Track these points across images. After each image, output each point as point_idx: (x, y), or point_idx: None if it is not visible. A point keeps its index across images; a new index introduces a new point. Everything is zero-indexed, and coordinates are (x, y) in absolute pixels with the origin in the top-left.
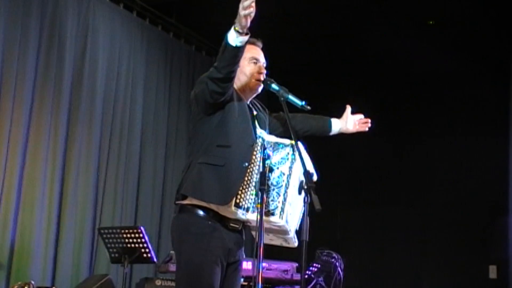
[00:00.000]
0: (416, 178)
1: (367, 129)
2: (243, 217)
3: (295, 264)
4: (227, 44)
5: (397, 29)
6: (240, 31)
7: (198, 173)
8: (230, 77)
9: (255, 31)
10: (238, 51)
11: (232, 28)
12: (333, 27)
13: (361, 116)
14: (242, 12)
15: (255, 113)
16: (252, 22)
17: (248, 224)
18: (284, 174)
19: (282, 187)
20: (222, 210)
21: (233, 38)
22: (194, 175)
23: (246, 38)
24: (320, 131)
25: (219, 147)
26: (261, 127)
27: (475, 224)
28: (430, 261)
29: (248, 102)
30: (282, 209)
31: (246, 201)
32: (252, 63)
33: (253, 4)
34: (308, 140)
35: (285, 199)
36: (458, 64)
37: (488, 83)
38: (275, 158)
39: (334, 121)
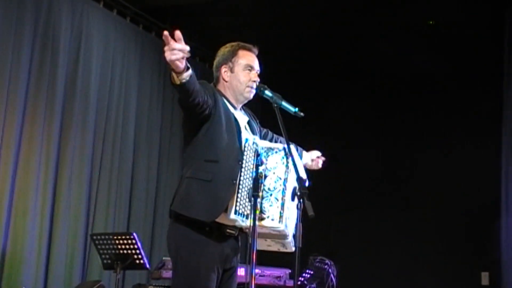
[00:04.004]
0: (408, 184)
1: (320, 165)
2: (243, 224)
3: (288, 271)
4: (173, 85)
5: (395, 32)
6: (178, 71)
7: (186, 188)
8: (193, 104)
9: (252, 31)
10: (187, 86)
11: (171, 71)
12: (330, 29)
13: (317, 153)
14: (168, 58)
15: (246, 119)
16: (248, 27)
17: (247, 230)
18: (280, 178)
19: (280, 191)
20: (220, 218)
21: (175, 78)
22: (182, 190)
23: (189, 73)
24: None
25: (206, 161)
26: (253, 133)
27: (467, 231)
28: (422, 267)
29: (239, 108)
30: (281, 214)
31: (245, 208)
32: (246, 70)
33: (182, 47)
34: (304, 144)
35: (283, 204)
36: (451, 68)
37: (481, 89)
38: (270, 163)
39: (304, 155)
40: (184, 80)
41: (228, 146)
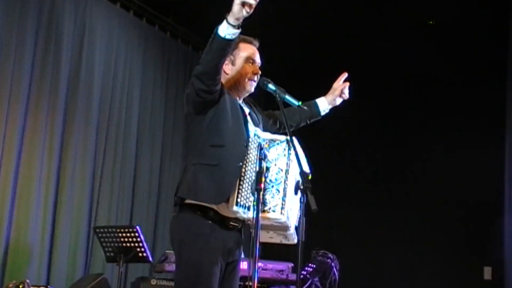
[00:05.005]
0: (411, 179)
1: (346, 95)
2: (244, 215)
3: (291, 264)
4: (216, 34)
5: (394, 30)
6: (233, 23)
7: (193, 174)
8: (214, 71)
9: (252, 30)
10: (226, 44)
11: (225, 19)
12: (331, 27)
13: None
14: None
15: (248, 111)
16: (250, 21)
17: (249, 222)
18: (282, 170)
19: (281, 183)
20: (223, 210)
21: (224, 29)
22: (189, 176)
23: (237, 32)
24: (311, 118)
25: (212, 147)
26: (254, 125)
27: (470, 226)
28: (425, 262)
29: (240, 101)
30: (283, 206)
31: (247, 200)
32: (248, 63)
33: None
34: (304, 140)
35: (285, 195)
36: (454, 66)
37: (484, 85)
38: (271, 154)
39: (321, 102)
40: (230, 37)
41: (233, 130)
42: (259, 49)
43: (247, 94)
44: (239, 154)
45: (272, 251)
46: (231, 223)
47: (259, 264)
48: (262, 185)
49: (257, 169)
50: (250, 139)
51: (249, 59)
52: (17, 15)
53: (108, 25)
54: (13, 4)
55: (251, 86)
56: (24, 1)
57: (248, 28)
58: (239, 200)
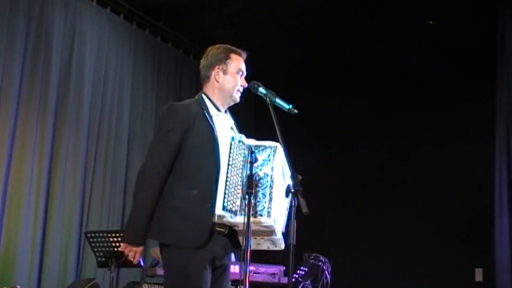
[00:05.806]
0: (403, 182)
1: None
2: (231, 220)
3: (283, 268)
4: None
5: (389, 32)
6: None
7: (164, 216)
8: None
9: (245, 33)
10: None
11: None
12: (327, 29)
13: None
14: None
15: (232, 121)
16: (242, 24)
17: (236, 227)
18: (267, 175)
19: (267, 187)
20: None
21: None
22: (159, 218)
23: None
24: None
25: (183, 188)
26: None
27: (462, 228)
28: (417, 264)
29: (224, 111)
30: (269, 209)
31: (234, 204)
32: (238, 75)
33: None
34: (296, 142)
35: (271, 199)
36: (444, 68)
37: (474, 89)
38: (258, 160)
39: None
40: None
41: (204, 170)
42: (254, 53)
43: (232, 104)
44: (210, 195)
45: (264, 255)
46: (217, 228)
47: (251, 267)
48: (253, 190)
49: (248, 172)
50: (232, 146)
51: (240, 71)
52: (6, 19)
53: (98, 29)
54: (2, 8)
55: (238, 96)
56: (14, 5)
57: (241, 27)
58: (225, 204)
